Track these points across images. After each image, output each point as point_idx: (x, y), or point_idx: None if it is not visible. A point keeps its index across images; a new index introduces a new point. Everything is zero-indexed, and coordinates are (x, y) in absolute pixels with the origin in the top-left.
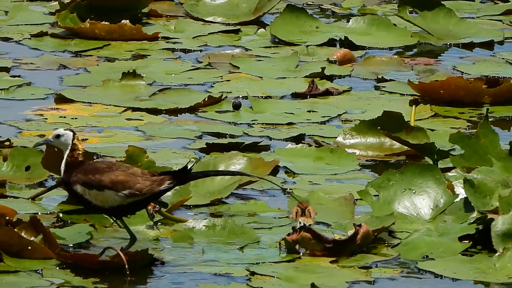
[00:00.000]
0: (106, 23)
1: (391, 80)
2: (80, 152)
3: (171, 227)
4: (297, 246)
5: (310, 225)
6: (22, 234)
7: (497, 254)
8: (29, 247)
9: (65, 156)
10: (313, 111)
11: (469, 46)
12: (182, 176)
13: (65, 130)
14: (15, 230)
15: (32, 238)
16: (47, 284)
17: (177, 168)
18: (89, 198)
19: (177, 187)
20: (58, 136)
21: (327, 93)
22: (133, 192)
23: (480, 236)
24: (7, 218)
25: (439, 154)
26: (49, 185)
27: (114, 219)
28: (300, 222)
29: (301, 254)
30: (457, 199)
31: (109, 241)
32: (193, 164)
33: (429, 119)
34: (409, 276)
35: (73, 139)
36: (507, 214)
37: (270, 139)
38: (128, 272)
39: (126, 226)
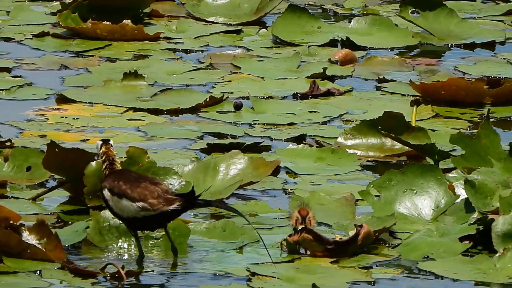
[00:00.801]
0: (108, 23)
1: (392, 80)
2: (108, 164)
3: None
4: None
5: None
6: (27, 234)
7: (497, 255)
8: (29, 250)
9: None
10: (315, 112)
11: (471, 46)
12: (190, 200)
13: (99, 140)
14: (15, 233)
15: (36, 241)
16: (46, 285)
17: (186, 192)
18: (112, 204)
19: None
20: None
21: (329, 93)
22: (146, 206)
23: (480, 236)
24: (11, 222)
25: (440, 154)
26: (50, 186)
27: (131, 232)
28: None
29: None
30: (458, 200)
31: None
32: (204, 191)
33: (430, 119)
34: (410, 277)
35: (100, 148)
36: (507, 215)
37: (271, 139)
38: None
39: (138, 242)
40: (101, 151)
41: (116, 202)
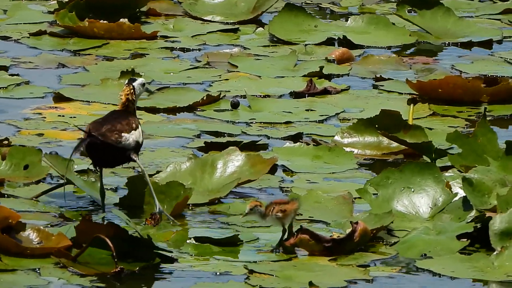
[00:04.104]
0: (105, 21)
1: (389, 79)
2: (123, 103)
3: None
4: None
5: (297, 209)
6: (28, 233)
7: (495, 253)
8: (28, 251)
9: None
10: (311, 110)
11: (468, 45)
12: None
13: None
14: (15, 231)
15: (36, 240)
16: (44, 283)
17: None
18: None
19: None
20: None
21: (325, 92)
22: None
23: (478, 234)
24: (10, 220)
25: (437, 153)
26: (47, 183)
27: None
28: (276, 215)
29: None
30: (456, 198)
31: None
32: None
33: (427, 118)
34: (408, 275)
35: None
36: (505, 213)
37: (268, 137)
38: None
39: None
40: (122, 91)
41: None
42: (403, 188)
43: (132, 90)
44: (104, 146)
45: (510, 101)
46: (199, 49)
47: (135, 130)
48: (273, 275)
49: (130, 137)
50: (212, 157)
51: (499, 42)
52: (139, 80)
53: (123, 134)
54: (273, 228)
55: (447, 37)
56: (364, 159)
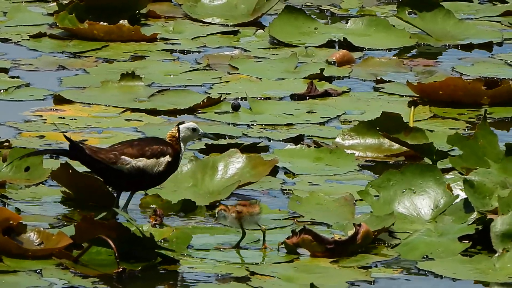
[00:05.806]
0: (105, 24)
1: (390, 81)
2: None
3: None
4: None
5: (255, 213)
6: (29, 235)
7: (496, 255)
8: (30, 252)
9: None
10: (312, 112)
11: (468, 47)
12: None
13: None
14: (16, 233)
15: (37, 241)
16: (46, 284)
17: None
18: None
19: None
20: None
21: (326, 94)
22: None
23: (479, 236)
24: (11, 222)
25: (438, 154)
26: (48, 185)
27: None
28: (231, 214)
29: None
30: (457, 200)
31: None
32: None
33: (428, 120)
34: (409, 276)
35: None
36: (506, 215)
37: (269, 140)
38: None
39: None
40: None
41: None
42: (404, 190)
43: (177, 133)
44: (92, 161)
45: (511, 103)
46: (199, 51)
47: (149, 158)
48: (274, 277)
49: (134, 162)
50: (213, 159)
51: (499, 44)
52: (188, 124)
53: (123, 156)
54: (275, 230)
55: (447, 39)
56: (366, 161)
